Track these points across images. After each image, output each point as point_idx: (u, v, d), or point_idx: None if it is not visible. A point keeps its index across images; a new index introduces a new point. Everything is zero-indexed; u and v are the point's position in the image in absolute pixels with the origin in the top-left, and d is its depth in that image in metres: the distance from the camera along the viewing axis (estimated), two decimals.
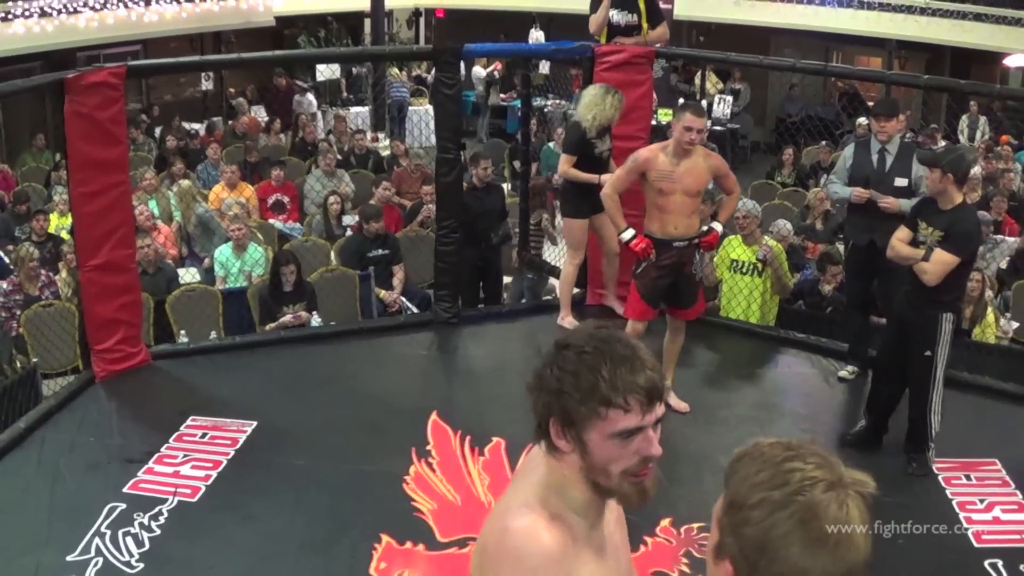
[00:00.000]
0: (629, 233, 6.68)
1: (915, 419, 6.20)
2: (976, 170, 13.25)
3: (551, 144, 14.80)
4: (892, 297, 7.05)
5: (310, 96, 18.65)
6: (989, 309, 8.53)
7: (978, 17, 17.91)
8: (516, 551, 2.08)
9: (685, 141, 6.42)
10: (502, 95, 20.43)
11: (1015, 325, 8.93)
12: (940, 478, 6.07)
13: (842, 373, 7.41)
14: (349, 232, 10.69)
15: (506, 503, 2.21)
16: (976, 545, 5.47)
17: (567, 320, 8.01)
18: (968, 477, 6.10)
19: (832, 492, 1.61)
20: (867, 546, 1.62)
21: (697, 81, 20.51)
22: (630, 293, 6.92)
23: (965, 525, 5.62)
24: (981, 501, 5.84)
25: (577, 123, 7.70)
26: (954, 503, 5.81)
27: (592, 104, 7.57)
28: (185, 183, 11.40)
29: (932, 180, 5.95)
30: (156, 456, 6.19)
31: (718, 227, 6.78)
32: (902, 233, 6.14)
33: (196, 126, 17.29)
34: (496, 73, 20.42)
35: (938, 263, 5.89)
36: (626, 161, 6.83)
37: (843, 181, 7.10)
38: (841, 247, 8.47)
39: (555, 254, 10.09)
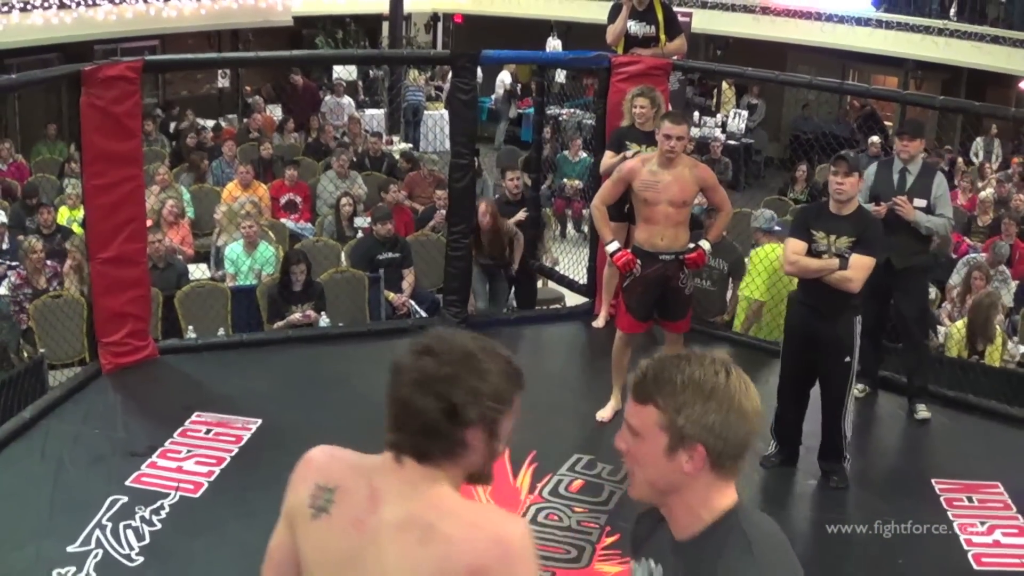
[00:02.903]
0: (613, 246, 6.68)
1: (831, 430, 6.10)
2: (988, 192, 13.26)
3: (566, 152, 14.83)
4: (909, 317, 7.03)
5: (348, 98, 18.64)
6: (998, 331, 8.52)
7: (996, 40, 17.87)
8: (525, 551, 2.15)
9: (666, 149, 6.43)
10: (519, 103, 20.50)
11: (1022, 349, 8.92)
12: (942, 499, 6.06)
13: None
14: (360, 234, 10.71)
15: (438, 531, 2.15)
16: (976, 567, 5.44)
17: (602, 319, 8.14)
18: (970, 499, 6.07)
19: (734, 375, 2.17)
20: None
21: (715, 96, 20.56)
22: (619, 306, 6.95)
23: (965, 547, 5.61)
24: (982, 524, 5.81)
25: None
26: (955, 525, 5.79)
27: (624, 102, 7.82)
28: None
29: (851, 185, 5.84)
30: (160, 450, 6.20)
31: (705, 245, 6.72)
32: (798, 246, 5.97)
33: (210, 122, 17.32)
34: (518, 86, 20.50)
35: (862, 268, 5.82)
36: (612, 172, 6.87)
37: (864, 199, 6.86)
38: None
39: (564, 261, 10.10)
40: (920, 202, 6.80)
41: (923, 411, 7.05)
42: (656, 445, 2.17)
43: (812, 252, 5.93)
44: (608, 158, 7.72)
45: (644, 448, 2.20)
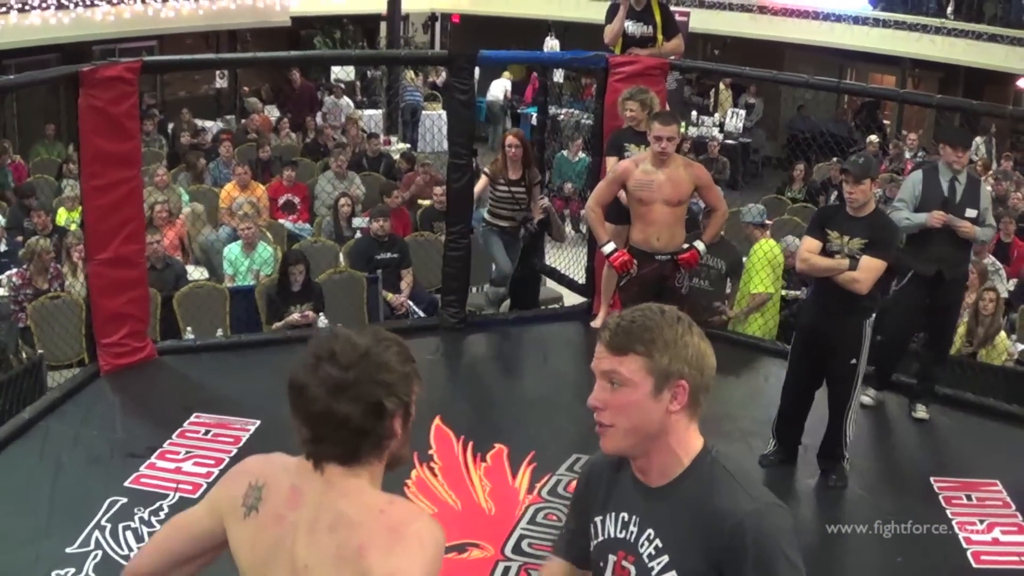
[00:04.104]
0: (610, 247, 6.71)
1: (833, 430, 6.10)
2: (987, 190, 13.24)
3: (565, 152, 14.82)
4: (946, 326, 7.08)
5: (347, 99, 18.62)
6: (1002, 334, 8.54)
7: (993, 38, 17.90)
8: (418, 544, 2.17)
9: (657, 151, 6.47)
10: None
11: (1020, 347, 8.92)
12: (941, 497, 6.06)
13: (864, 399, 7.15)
14: (359, 234, 10.71)
15: (346, 517, 2.21)
16: (974, 565, 5.45)
17: (600, 319, 8.05)
18: (969, 497, 6.07)
19: (686, 319, 2.41)
20: None
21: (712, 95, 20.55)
22: (615, 307, 6.95)
23: (964, 545, 5.61)
24: (981, 522, 5.82)
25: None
26: (954, 523, 5.79)
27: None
28: (199, 207, 11.38)
29: (862, 191, 5.84)
30: (159, 451, 6.20)
31: (699, 245, 6.74)
32: (812, 245, 5.99)
33: (208, 123, 17.31)
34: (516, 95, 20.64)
35: (870, 270, 5.82)
36: (607, 173, 6.88)
37: (912, 207, 6.86)
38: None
39: (562, 260, 10.09)
40: (971, 212, 6.81)
41: (922, 411, 7.04)
42: (643, 389, 2.33)
43: (826, 251, 5.95)
44: (611, 164, 7.71)
45: (629, 395, 2.34)
